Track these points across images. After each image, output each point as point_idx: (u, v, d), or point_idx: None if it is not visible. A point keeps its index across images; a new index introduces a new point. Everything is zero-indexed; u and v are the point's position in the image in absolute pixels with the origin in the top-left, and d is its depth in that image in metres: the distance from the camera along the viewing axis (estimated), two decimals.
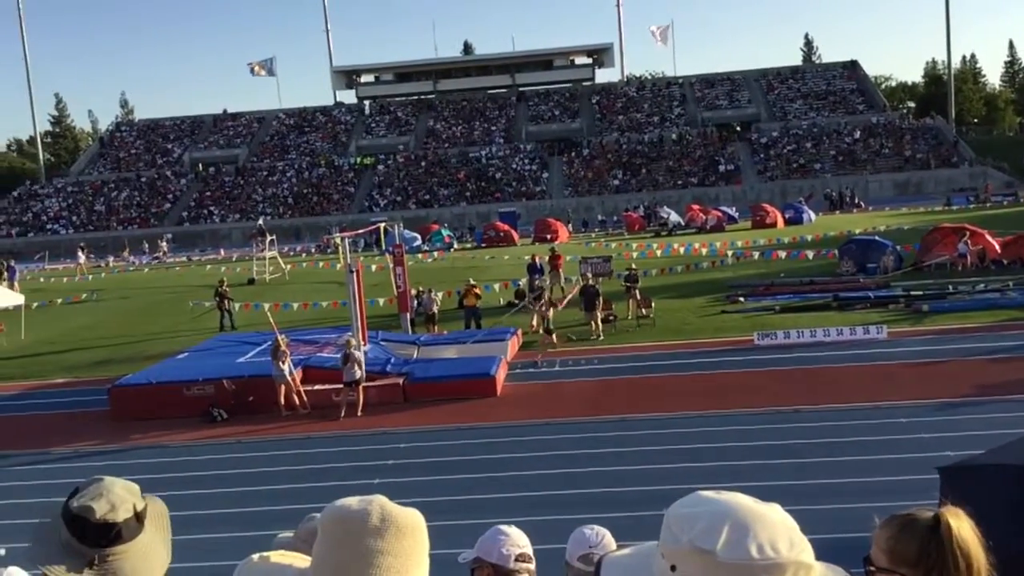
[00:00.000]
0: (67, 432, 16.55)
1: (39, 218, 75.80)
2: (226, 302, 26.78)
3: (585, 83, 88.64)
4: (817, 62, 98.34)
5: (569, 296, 23.36)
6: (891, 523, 1.93)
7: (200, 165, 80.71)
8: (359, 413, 16.22)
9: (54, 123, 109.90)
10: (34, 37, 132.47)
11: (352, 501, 1.66)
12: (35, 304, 31.87)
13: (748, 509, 1.42)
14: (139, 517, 1.88)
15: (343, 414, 16.18)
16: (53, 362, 23.60)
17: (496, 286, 27.89)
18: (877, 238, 30.81)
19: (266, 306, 27.17)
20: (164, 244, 62.47)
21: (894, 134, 72.03)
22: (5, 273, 42.39)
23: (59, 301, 35.77)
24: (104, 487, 1.90)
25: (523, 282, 26.71)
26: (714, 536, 1.38)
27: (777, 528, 1.41)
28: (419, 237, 51.38)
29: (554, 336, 21.06)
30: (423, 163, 76.44)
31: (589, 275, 22.82)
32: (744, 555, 1.37)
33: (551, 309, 22.55)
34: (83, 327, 29.59)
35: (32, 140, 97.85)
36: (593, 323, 21.50)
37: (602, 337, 21.15)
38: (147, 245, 63.06)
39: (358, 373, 16.31)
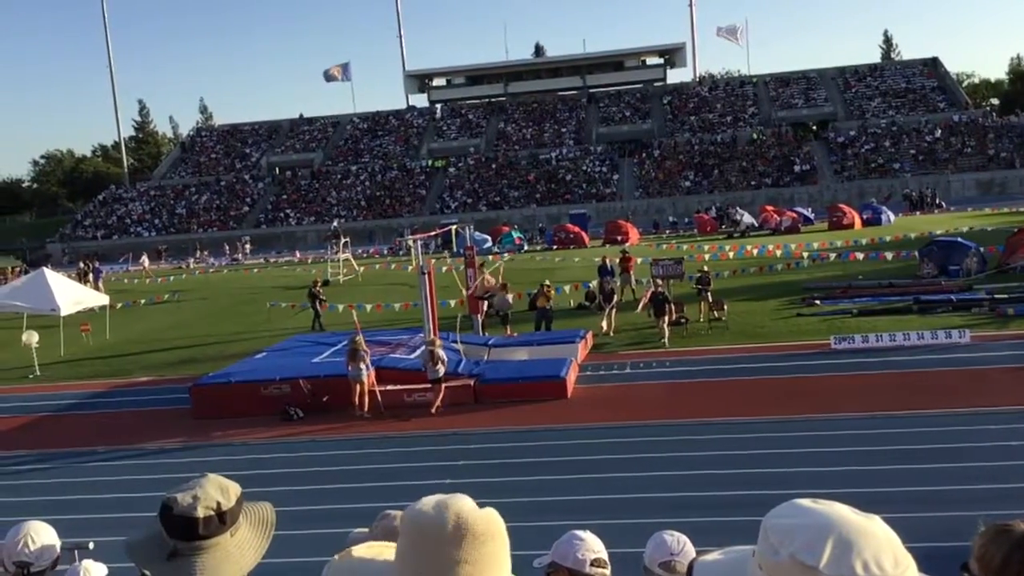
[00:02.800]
0: (150, 429, 17.05)
1: (123, 221, 78.27)
2: (318, 302, 27.27)
3: (656, 83, 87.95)
4: (896, 59, 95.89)
5: (644, 301, 23.16)
6: (987, 532, 1.91)
7: (277, 169, 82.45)
8: (433, 411, 16.42)
9: (137, 129, 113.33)
10: (118, 46, 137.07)
11: (428, 506, 1.64)
12: (119, 304, 32.93)
13: (851, 522, 1.38)
14: (222, 517, 1.88)
15: (436, 411, 16.46)
16: (136, 361, 24.34)
17: (567, 288, 27.85)
18: (959, 239, 29.89)
19: (340, 307, 27.64)
20: (247, 246, 64.22)
21: (977, 132, 69.84)
22: (90, 274, 43.93)
23: (142, 302, 36.88)
24: (199, 483, 1.92)
25: (594, 284, 26.63)
26: (817, 551, 1.34)
27: (881, 543, 1.37)
28: (490, 239, 51.62)
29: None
30: (494, 165, 76.76)
31: (659, 281, 22.44)
32: (848, 572, 1.33)
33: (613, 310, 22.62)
34: (165, 327, 30.46)
35: (116, 145, 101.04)
36: (660, 328, 21.01)
37: (667, 344, 20.65)
38: (227, 247, 64.68)
39: (441, 371, 16.51)
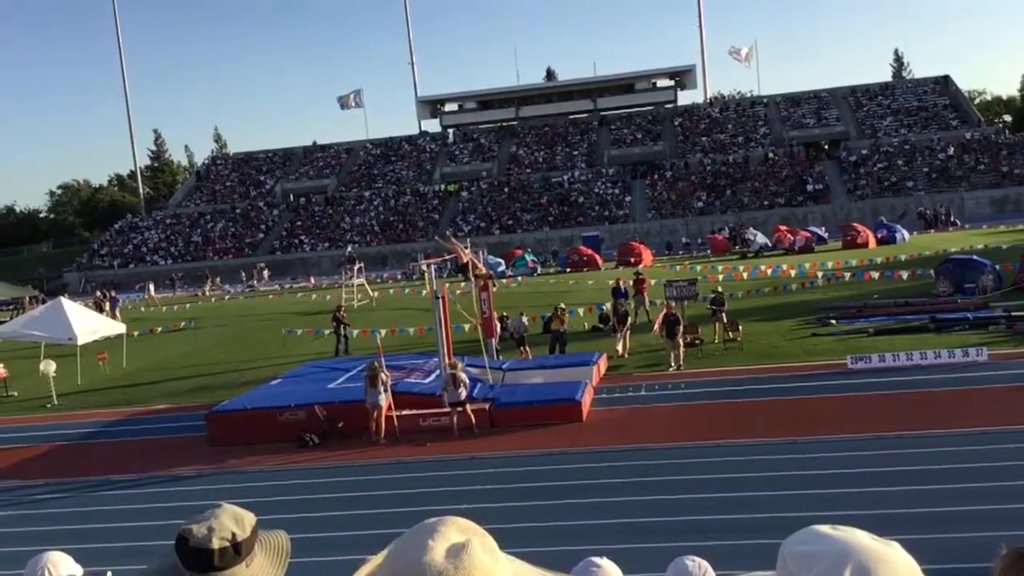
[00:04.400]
0: (167, 457, 17.09)
1: (139, 249, 78.80)
2: (343, 327, 27.34)
3: (667, 105, 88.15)
4: (908, 77, 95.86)
5: (659, 322, 23.01)
6: (1008, 555, 1.89)
7: (291, 195, 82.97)
8: (475, 431, 16.46)
9: (153, 158, 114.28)
10: (133, 76, 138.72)
11: (396, 559, 1.44)
12: (136, 333, 33.11)
13: (869, 550, 1.36)
14: (238, 548, 1.87)
15: (457, 435, 16.45)
16: (153, 389, 24.43)
17: (580, 310, 27.83)
18: (975, 257, 29.71)
19: (354, 332, 27.69)
20: (265, 273, 64.55)
21: (990, 149, 69.61)
22: (107, 303, 44.18)
23: (159, 330, 37.05)
24: (214, 513, 1.92)
25: (607, 306, 26.60)
26: None
27: (899, 571, 1.35)
28: (503, 262, 51.66)
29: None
30: (506, 189, 76.97)
31: (673, 303, 22.18)
32: None
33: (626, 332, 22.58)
34: (182, 355, 30.58)
35: (132, 175, 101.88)
36: (672, 352, 20.57)
37: (679, 368, 20.28)
38: (244, 274, 64.95)
39: (463, 394, 16.55)
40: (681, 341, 20.80)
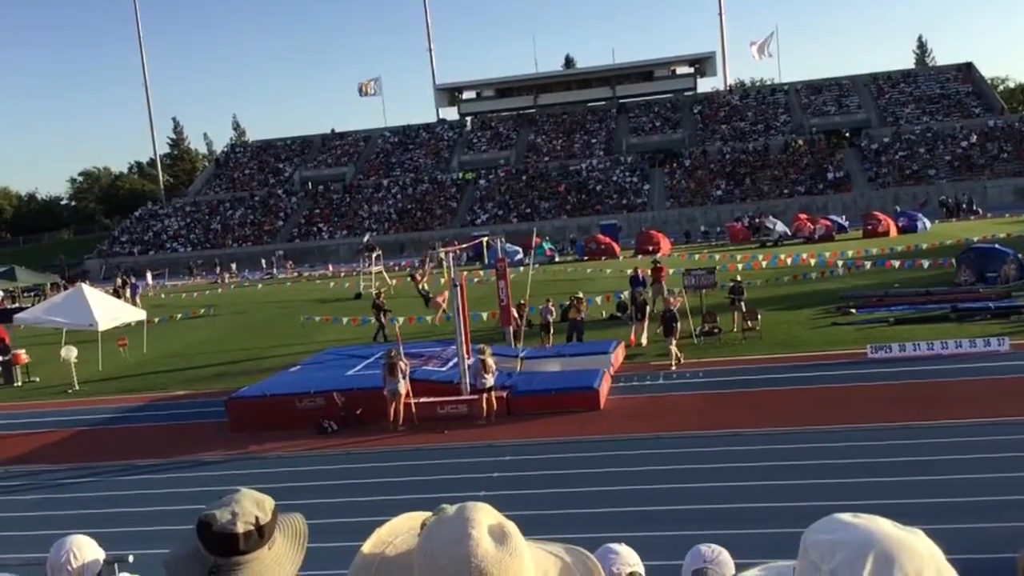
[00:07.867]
0: (187, 443, 17.23)
1: (159, 237, 79.33)
2: (383, 314, 27.33)
3: (687, 93, 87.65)
4: (931, 64, 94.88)
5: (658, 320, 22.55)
6: None
7: (310, 183, 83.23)
8: (492, 419, 16.52)
9: (172, 146, 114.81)
10: (152, 65, 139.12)
11: (434, 550, 1.42)
12: (156, 319, 33.32)
13: (892, 537, 1.34)
14: (261, 531, 1.88)
15: (483, 421, 16.53)
16: (173, 375, 24.61)
17: (598, 299, 27.78)
18: (997, 246, 29.42)
19: (371, 319, 27.76)
20: (289, 262, 64.85)
21: (1013, 137, 68.85)
22: (128, 289, 44.51)
23: (178, 316, 37.29)
24: (234, 498, 1.93)
25: (625, 295, 26.56)
26: (858, 568, 1.31)
27: (924, 558, 1.33)
28: (521, 251, 51.58)
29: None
30: (524, 177, 76.86)
31: (672, 299, 21.49)
32: None
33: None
34: (201, 341, 30.77)
35: (152, 163, 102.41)
36: (671, 350, 19.88)
37: (679, 363, 19.66)
38: (264, 262, 65.20)
39: (490, 381, 16.59)
40: (674, 339, 19.96)
